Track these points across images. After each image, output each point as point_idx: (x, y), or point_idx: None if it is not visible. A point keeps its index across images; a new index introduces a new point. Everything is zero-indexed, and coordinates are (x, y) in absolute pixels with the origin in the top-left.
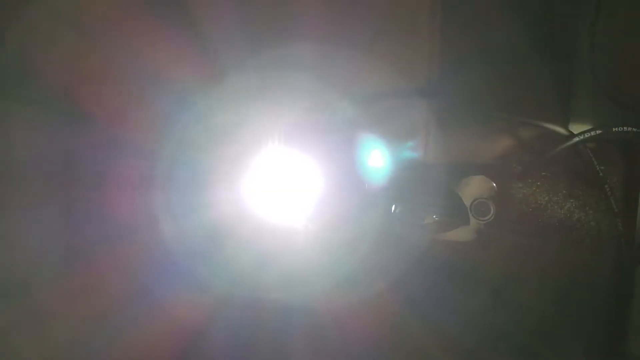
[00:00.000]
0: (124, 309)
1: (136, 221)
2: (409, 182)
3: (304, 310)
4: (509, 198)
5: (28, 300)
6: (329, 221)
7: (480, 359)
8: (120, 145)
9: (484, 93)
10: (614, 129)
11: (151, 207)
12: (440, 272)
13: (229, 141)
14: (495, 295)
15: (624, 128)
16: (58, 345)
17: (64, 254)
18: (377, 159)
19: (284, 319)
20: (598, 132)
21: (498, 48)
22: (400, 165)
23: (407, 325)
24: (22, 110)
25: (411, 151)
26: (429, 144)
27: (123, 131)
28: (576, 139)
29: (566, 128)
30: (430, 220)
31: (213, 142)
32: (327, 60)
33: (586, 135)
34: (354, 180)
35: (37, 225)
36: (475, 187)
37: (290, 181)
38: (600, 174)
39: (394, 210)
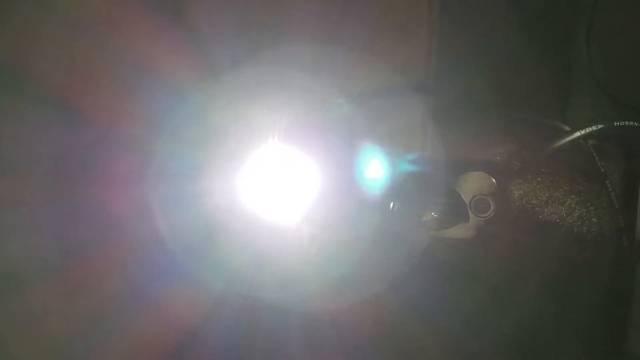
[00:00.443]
0: (120, 307)
1: (132, 219)
2: (408, 179)
3: (300, 309)
4: (508, 194)
5: (23, 298)
6: (326, 219)
7: (479, 358)
8: (115, 143)
9: (482, 90)
10: (615, 124)
11: (147, 204)
12: (439, 270)
13: (225, 139)
14: (495, 293)
15: (626, 122)
16: (53, 343)
17: (59, 252)
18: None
19: (280, 318)
20: (599, 127)
21: (496, 45)
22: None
23: (405, 324)
24: (15, 107)
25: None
26: (427, 141)
27: (119, 128)
28: (577, 134)
29: (568, 123)
30: (429, 217)
31: (209, 139)
32: (325, 58)
33: (587, 131)
34: (352, 178)
35: (31, 223)
36: (474, 184)
37: (286, 179)
38: (602, 170)
39: (392, 208)
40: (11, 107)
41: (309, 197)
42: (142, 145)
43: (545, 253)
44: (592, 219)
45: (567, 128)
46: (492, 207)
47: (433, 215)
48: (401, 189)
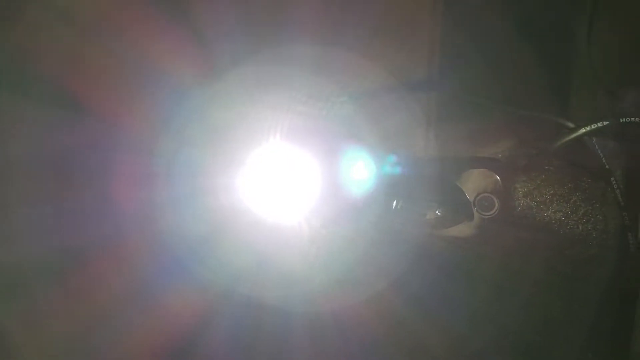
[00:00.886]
0: (123, 307)
1: (135, 218)
2: (411, 177)
3: (303, 309)
4: (513, 192)
5: (26, 298)
6: (328, 218)
7: (483, 357)
8: (119, 142)
9: (485, 87)
10: (621, 120)
11: (150, 204)
12: (443, 269)
13: (227, 139)
14: (499, 292)
15: (631, 119)
16: (57, 344)
17: (63, 252)
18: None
19: (283, 318)
20: (605, 123)
21: (498, 43)
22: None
23: (409, 323)
24: (18, 107)
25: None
26: (430, 138)
27: (122, 128)
28: (582, 130)
29: (571, 121)
30: (433, 215)
31: (211, 139)
32: (326, 58)
33: (592, 127)
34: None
35: (34, 223)
36: (478, 182)
37: (288, 179)
38: (606, 167)
39: (396, 206)
40: (15, 107)
41: (311, 197)
42: (145, 145)
43: (550, 251)
44: (597, 217)
45: (571, 125)
46: (496, 205)
47: (437, 214)
48: (404, 186)
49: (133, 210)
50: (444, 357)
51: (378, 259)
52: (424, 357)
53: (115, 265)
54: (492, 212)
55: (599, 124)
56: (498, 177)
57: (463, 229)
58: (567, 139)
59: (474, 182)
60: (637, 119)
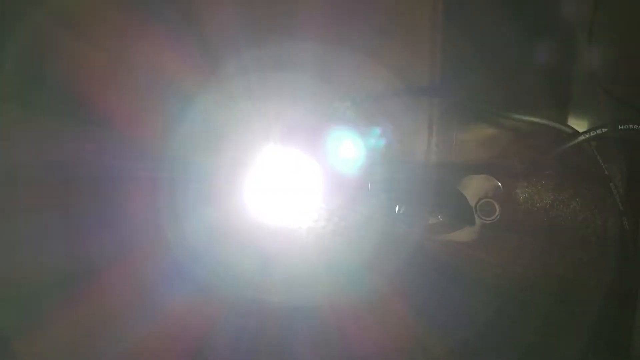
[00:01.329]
0: (128, 312)
1: (139, 224)
2: (413, 183)
3: (307, 312)
4: (513, 198)
5: (31, 306)
6: (331, 222)
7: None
8: (123, 148)
9: (486, 93)
10: (619, 127)
11: (154, 209)
12: (444, 273)
13: (231, 143)
14: (500, 296)
15: (630, 126)
16: (61, 351)
17: (67, 259)
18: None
19: (287, 322)
20: (603, 130)
21: (499, 48)
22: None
23: (411, 327)
24: (25, 113)
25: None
26: (432, 144)
27: (126, 134)
28: (581, 137)
29: (570, 126)
30: (435, 220)
31: (215, 144)
32: (330, 62)
33: (591, 134)
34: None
35: (41, 230)
36: (479, 187)
37: (292, 183)
38: (606, 172)
39: (398, 211)
40: (22, 114)
41: (314, 200)
42: (149, 150)
43: (550, 256)
44: (597, 222)
45: (571, 131)
46: (497, 210)
47: (439, 219)
48: (407, 191)
49: (138, 216)
50: None
51: (381, 263)
52: None
53: (120, 271)
54: (493, 218)
55: (598, 131)
56: (499, 183)
57: (464, 234)
58: (567, 145)
59: (475, 188)
60: (635, 126)
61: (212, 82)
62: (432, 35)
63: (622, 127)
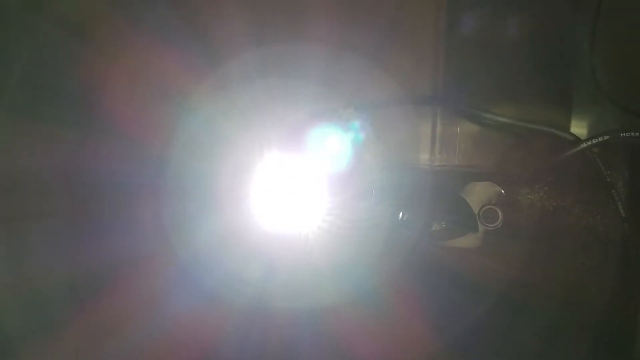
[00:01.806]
0: (134, 319)
1: (145, 231)
2: (417, 189)
3: (312, 318)
4: (516, 204)
5: (40, 311)
6: (336, 228)
7: None
8: (129, 155)
9: (489, 100)
10: (621, 135)
11: (160, 216)
12: (448, 280)
13: (234, 150)
14: (504, 302)
15: (632, 133)
16: (69, 357)
17: (75, 265)
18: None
19: (292, 327)
20: (605, 137)
21: (501, 57)
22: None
23: (415, 333)
24: (31, 121)
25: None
26: (435, 150)
27: (131, 141)
28: (583, 144)
29: (572, 133)
30: (438, 227)
31: (219, 150)
32: (333, 70)
33: (593, 141)
34: (361, 186)
35: (48, 237)
36: (482, 194)
37: (295, 189)
38: (608, 179)
39: (402, 217)
40: (29, 122)
41: (318, 205)
42: (155, 158)
43: (553, 261)
44: (599, 228)
45: (573, 138)
46: (500, 217)
47: (442, 225)
48: (410, 198)
49: (144, 223)
50: None
51: (384, 269)
52: None
53: (127, 277)
54: (496, 224)
55: (600, 138)
56: (502, 189)
57: (467, 240)
58: (570, 152)
59: (479, 194)
60: (637, 134)
61: (216, 88)
62: (436, 42)
63: (624, 134)
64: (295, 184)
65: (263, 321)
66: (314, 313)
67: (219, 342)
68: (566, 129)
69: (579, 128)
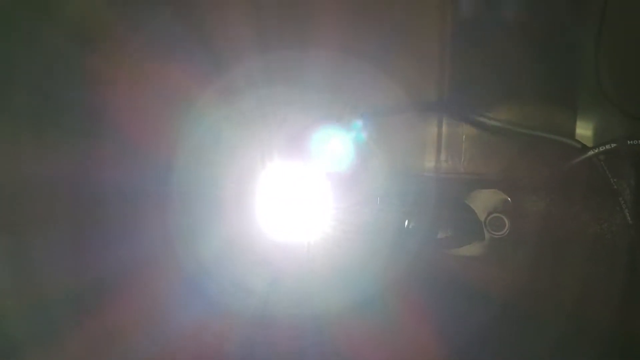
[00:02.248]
0: (138, 328)
1: (150, 239)
2: (422, 197)
3: (316, 326)
4: (523, 212)
5: (43, 319)
6: (340, 235)
7: None
8: (133, 163)
9: (495, 106)
10: (628, 142)
11: (165, 224)
12: (454, 288)
13: (239, 158)
14: (510, 310)
15: (638, 141)
16: None
17: (78, 273)
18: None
19: (297, 336)
20: (612, 145)
21: (508, 64)
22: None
23: (420, 342)
24: (38, 129)
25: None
26: (441, 158)
27: (136, 148)
28: (590, 152)
29: (579, 141)
30: (444, 235)
31: (224, 157)
32: (339, 77)
33: (600, 149)
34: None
35: (52, 244)
36: (489, 201)
37: (300, 197)
38: (615, 187)
39: (407, 225)
40: (31, 129)
41: (323, 214)
42: (159, 165)
43: (559, 269)
44: (606, 235)
45: (580, 146)
46: (507, 225)
47: (448, 233)
48: (416, 206)
49: (149, 231)
50: None
51: (389, 277)
52: None
53: (131, 285)
54: (502, 232)
55: (607, 146)
56: (508, 197)
57: (474, 249)
58: (577, 159)
59: (485, 202)
60: None
61: (221, 95)
62: (441, 48)
63: (631, 142)
64: (299, 191)
65: (267, 329)
66: (319, 321)
67: (224, 351)
68: (572, 136)
69: (585, 135)
